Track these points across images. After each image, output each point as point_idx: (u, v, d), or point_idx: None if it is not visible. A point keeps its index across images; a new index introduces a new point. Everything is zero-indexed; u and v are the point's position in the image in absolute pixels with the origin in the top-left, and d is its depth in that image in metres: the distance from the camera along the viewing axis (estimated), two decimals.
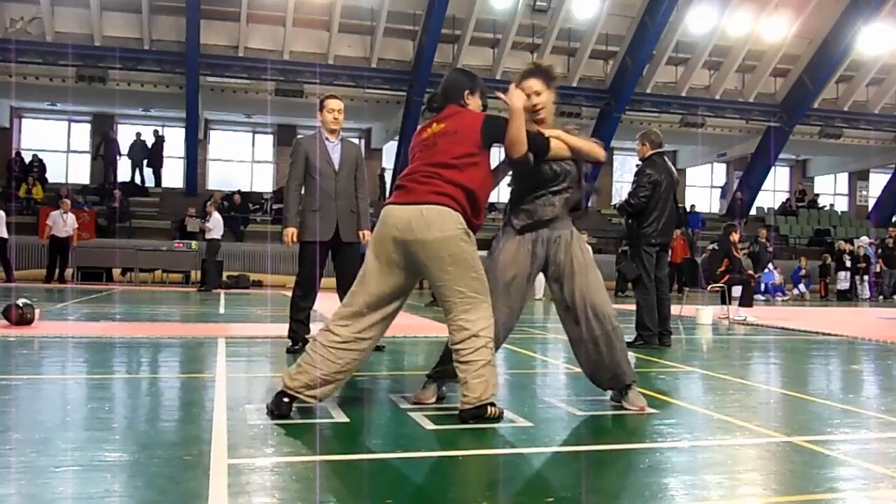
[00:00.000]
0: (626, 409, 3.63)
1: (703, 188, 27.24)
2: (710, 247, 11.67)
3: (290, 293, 5.78)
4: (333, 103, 5.56)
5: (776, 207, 26.78)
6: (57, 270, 15.71)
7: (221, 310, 10.12)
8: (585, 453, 2.96)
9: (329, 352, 3.30)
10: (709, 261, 10.64)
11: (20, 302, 6.63)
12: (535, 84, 3.63)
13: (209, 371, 4.63)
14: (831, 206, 27.74)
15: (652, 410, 3.64)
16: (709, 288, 10.29)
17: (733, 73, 23.16)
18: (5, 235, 15.31)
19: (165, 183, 21.72)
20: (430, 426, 3.25)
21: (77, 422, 3.27)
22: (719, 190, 27.04)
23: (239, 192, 20.86)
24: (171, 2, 19.29)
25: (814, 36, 22.54)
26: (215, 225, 15.31)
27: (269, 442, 2.93)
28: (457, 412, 3.31)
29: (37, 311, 6.84)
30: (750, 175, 25.10)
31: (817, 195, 27.78)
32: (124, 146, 21.06)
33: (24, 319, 6.56)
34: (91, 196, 19.89)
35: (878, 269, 19.77)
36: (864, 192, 28.65)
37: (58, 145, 22.24)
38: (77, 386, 4.22)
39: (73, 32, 19.42)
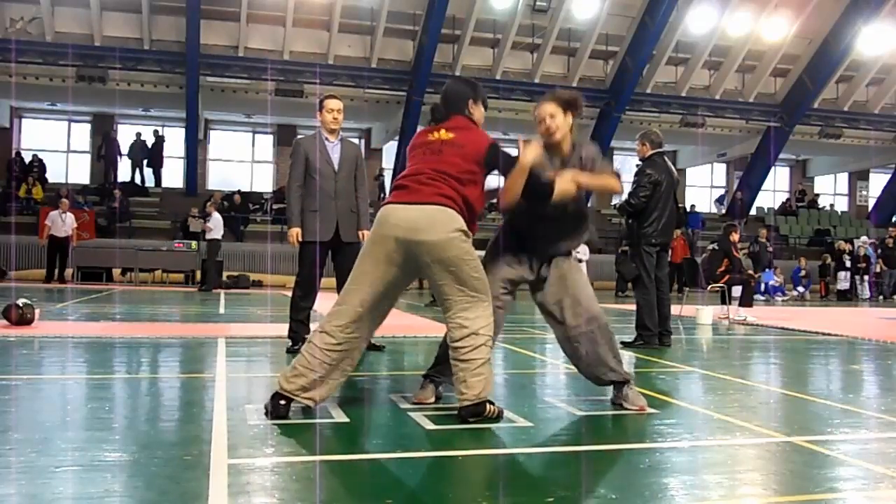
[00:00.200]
0: (626, 408, 3.63)
1: (703, 188, 27.23)
2: (710, 247, 11.66)
3: (290, 293, 5.78)
4: (333, 103, 5.56)
5: (776, 207, 26.78)
6: (56, 270, 15.70)
7: (221, 310, 10.12)
8: (585, 453, 2.95)
9: (324, 354, 3.30)
10: (709, 261, 10.64)
11: (20, 302, 6.63)
12: (550, 107, 3.66)
13: (209, 371, 4.63)
14: (831, 206, 27.74)
15: (652, 410, 3.64)
16: (709, 288, 10.29)
17: (733, 73, 23.16)
18: None
19: (165, 183, 21.71)
20: (429, 426, 3.25)
21: (77, 422, 3.27)
22: (717, 194, 27.01)
23: (239, 192, 20.86)
24: (171, 2, 19.30)
25: (814, 36, 22.55)
26: (215, 225, 15.32)
27: (269, 442, 2.94)
28: (456, 412, 3.31)
29: (37, 311, 6.84)
30: (750, 175, 25.10)
31: (817, 195, 27.77)
32: (124, 146, 21.07)
33: (24, 319, 6.56)
34: (91, 196, 19.89)
35: (878, 270, 19.77)
36: (864, 192, 28.65)
37: (58, 145, 22.23)
38: (77, 386, 4.22)
39: (73, 32, 19.42)
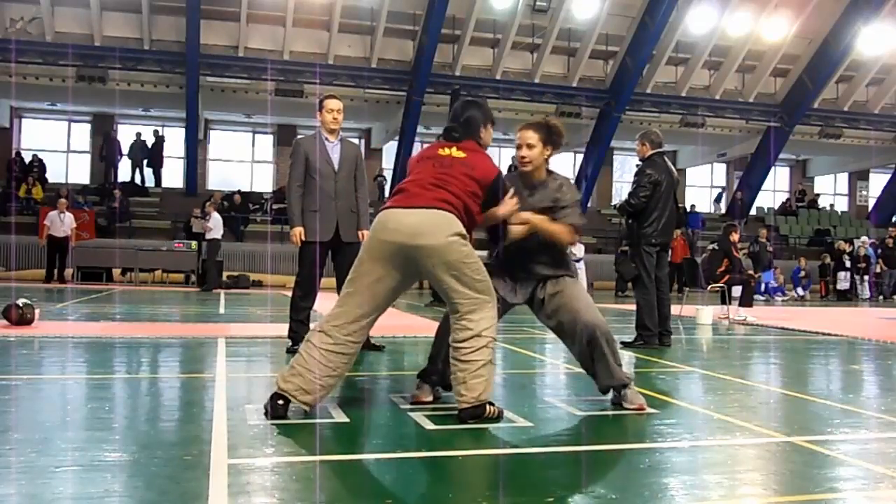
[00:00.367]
0: (625, 408, 3.64)
1: (703, 188, 27.24)
2: (710, 247, 11.67)
3: (290, 293, 5.78)
4: (333, 103, 5.55)
5: (776, 207, 26.78)
6: (56, 270, 15.69)
7: (221, 310, 10.12)
8: (585, 453, 2.96)
9: (322, 354, 3.30)
10: (709, 261, 10.64)
11: (20, 302, 6.63)
12: (531, 137, 3.72)
13: (209, 371, 4.63)
14: (831, 206, 27.74)
15: (652, 410, 3.64)
16: (709, 288, 10.29)
17: (733, 73, 23.16)
18: None
19: (165, 183, 21.71)
20: (430, 426, 3.25)
21: (77, 422, 3.27)
22: (715, 193, 27.01)
23: (239, 192, 20.86)
24: (171, 2, 19.30)
25: (814, 36, 22.55)
26: (215, 225, 15.32)
27: (269, 442, 2.94)
28: (456, 413, 3.31)
29: (37, 311, 6.84)
30: (750, 175, 25.10)
31: (817, 195, 27.77)
32: (125, 146, 21.06)
33: (24, 319, 6.55)
34: (91, 196, 19.89)
35: (878, 270, 19.76)
36: (864, 192, 28.65)
37: (58, 145, 22.24)
38: (77, 386, 4.22)
39: (73, 32, 19.42)
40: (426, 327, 7.51)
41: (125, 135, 21.48)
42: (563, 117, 19.74)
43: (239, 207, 20.15)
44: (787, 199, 27.15)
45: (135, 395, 4.05)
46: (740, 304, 10.34)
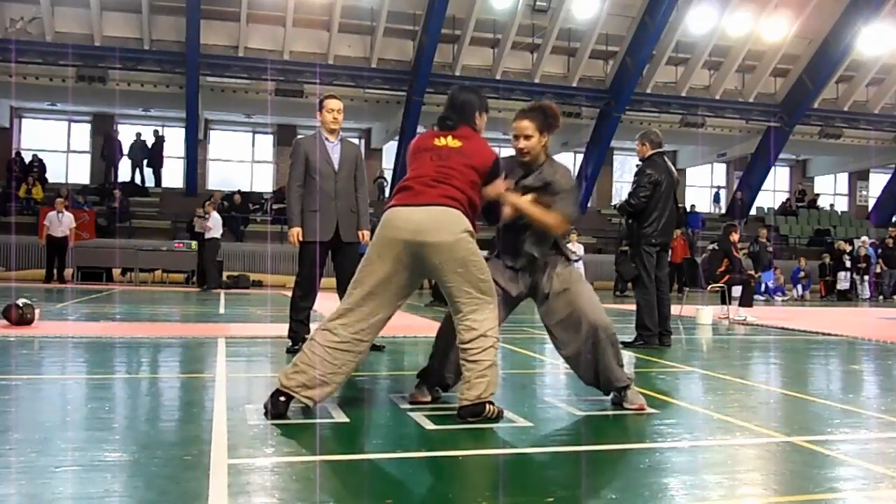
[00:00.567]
0: (625, 408, 3.63)
1: (703, 188, 27.24)
2: (710, 247, 11.67)
3: (290, 293, 5.78)
4: (333, 103, 5.55)
5: (776, 207, 26.78)
6: (56, 270, 15.68)
7: (221, 310, 10.12)
8: (585, 453, 2.95)
9: (327, 352, 3.30)
10: (709, 261, 10.64)
11: (20, 302, 6.63)
12: (527, 128, 3.70)
13: (209, 371, 4.63)
14: (831, 206, 27.74)
15: (652, 410, 3.64)
16: (709, 288, 10.29)
17: (733, 73, 23.16)
18: None
19: (165, 183, 21.71)
20: (430, 426, 3.25)
21: (77, 422, 3.27)
22: (713, 192, 27.01)
23: (239, 192, 20.86)
24: (171, 2, 19.29)
25: (814, 36, 22.55)
26: (214, 224, 15.31)
27: (269, 442, 2.93)
28: (456, 412, 3.31)
29: (37, 311, 6.84)
30: (750, 175, 25.10)
31: (817, 195, 27.78)
32: (124, 146, 21.06)
33: (24, 319, 6.55)
34: (91, 196, 19.89)
35: (878, 270, 19.76)
36: (864, 192, 28.65)
37: (58, 145, 22.24)
38: (77, 386, 4.22)
39: (73, 32, 19.42)
40: (426, 327, 7.51)
41: (125, 135, 21.47)
42: (563, 117, 19.71)
43: (239, 207, 20.15)
44: (787, 199, 27.15)
45: (135, 395, 4.05)
46: (740, 304, 10.33)
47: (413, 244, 3.25)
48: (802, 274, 20.21)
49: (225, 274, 16.50)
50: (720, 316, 9.96)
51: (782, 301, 17.86)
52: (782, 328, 8.95)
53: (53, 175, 20.92)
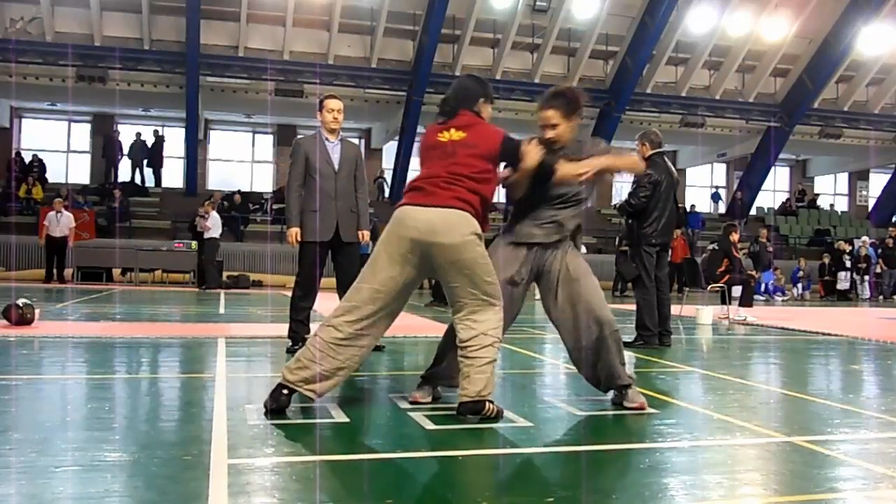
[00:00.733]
0: (626, 407, 3.63)
1: (703, 188, 27.23)
2: (710, 247, 11.66)
3: (290, 293, 5.78)
4: (333, 103, 5.55)
5: (776, 207, 26.79)
6: (56, 270, 15.67)
7: (221, 310, 10.12)
8: (585, 453, 2.95)
9: (330, 348, 3.32)
10: (709, 261, 10.64)
11: (20, 302, 6.63)
12: (552, 116, 3.66)
13: (209, 371, 4.63)
14: (831, 206, 27.74)
15: (652, 410, 3.64)
16: (709, 288, 10.29)
17: (733, 73, 23.16)
18: None
19: (165, 183, 21.71)
20: (430, 426, 3.25)
21: (77, 422, 3.27)
22: (712, 192, 27.01)
23: (239, 192, 20.86)
24: (171, 2, 19.30)
25: (814, 36, 22.55)
26: (213, 224, 15.31)
27: (269, 442, 2.94)
28: (456, 412, 3.31)
29: (37, 311, 6.84)
30: (750, 175, 25.10)
31: (817, 195, 27.78)
32: (125, 146, 21.06)
33: (24, 319, 6.55)
34: (91, 196, 19.89)
35: (878, 270, 19.76)
36: (864, 192, 28.65)
37: (58, 145, 22.24)
38: (77, 386, 4.22)
39: (73, 32, 19.43)
40: (426, 327, 7.52)
41: (125, 135, 21.47)
42: None
43: (239, 207, 20.15)
44: (787, 199, 27.15)
45: (135, 395, 4.05)
46: (740, 304, 10.33)
47: (422, 243, 3.27)
48: (801, 274, 20.21)
49: (225, 274, 16.50)
50: (720, 316, 9.96)
51: (782, 301, 17.86)
52: (782, 328, 8.95)
53: (53, 175, 20.92)
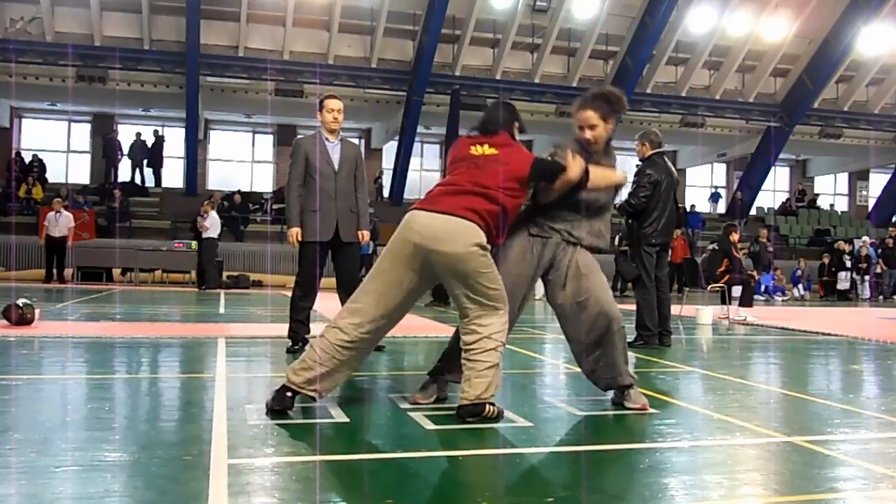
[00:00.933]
0: (627, 407, 3.63)
1: (703, 188, 27.23)
2: (710, 247, 11.66)
3: (290, 293, 5.78)
4: (333, 103, 5.56)
5: (776, 207, 26.78)
6: (56, 270, 15.67)
7: (221, 310, 10.12)
8: (585, 453, 2.96)
9: (335, 349, 3.33)
10: (709, 261, 10.64)
11: (20, 302, 6.63)
12: (591, 117, 3.67)
13: (209, 371, 4.63)
14: (831, 206, 27.74)
15: (652, 410, 3.64)
16: (709, 288, 10.29)
17: (733, 73, 23.16)
18: None
19: (165, 183, 21.71)
20: (430, 426, 3.25)
21: (77, 422, 3.27)
22: (711, 192, 26.99)
23: (239, 192, 20.86)
24: (171, 2, 19.30)
25: (814, 36, 22.55)
26: (212, 224, 15.30)
27: (269, 442, 2.94)
28: (455, 412, 3.31)
29: (37, 311, 6.84)
30: (750, 175, 25.10)
31: (817, 195, 27.78)
32: (124, 146, 21.06)
33: (24, 319, 6.55)
34: (91, 196, 19.89)
35: (878, 270, 19.75)
36: (864, 192, 28.65)
37: (58, 145, 22.24)
38: (77, 386, 4.22)
39: (73, 32, 19.43)
40: (426, 327, 7.52)
41: (125, 135, 21.48)
42: (563, 117, 19.74)
43: (239, 207, 20.15)
44: (787, 199, 27.15)
45: (135, 395, 4.05)
46: (740, 304, 10.33)
47: (424, 249, 3.27)
48: (800, 273, 20.20)
49: (225, 274, 16.50)
50: (720, 316, 9.96)
51: (782, 301, 17.86)
52: (782, 328, 8.95)
53: (53, 175, 20.92)
